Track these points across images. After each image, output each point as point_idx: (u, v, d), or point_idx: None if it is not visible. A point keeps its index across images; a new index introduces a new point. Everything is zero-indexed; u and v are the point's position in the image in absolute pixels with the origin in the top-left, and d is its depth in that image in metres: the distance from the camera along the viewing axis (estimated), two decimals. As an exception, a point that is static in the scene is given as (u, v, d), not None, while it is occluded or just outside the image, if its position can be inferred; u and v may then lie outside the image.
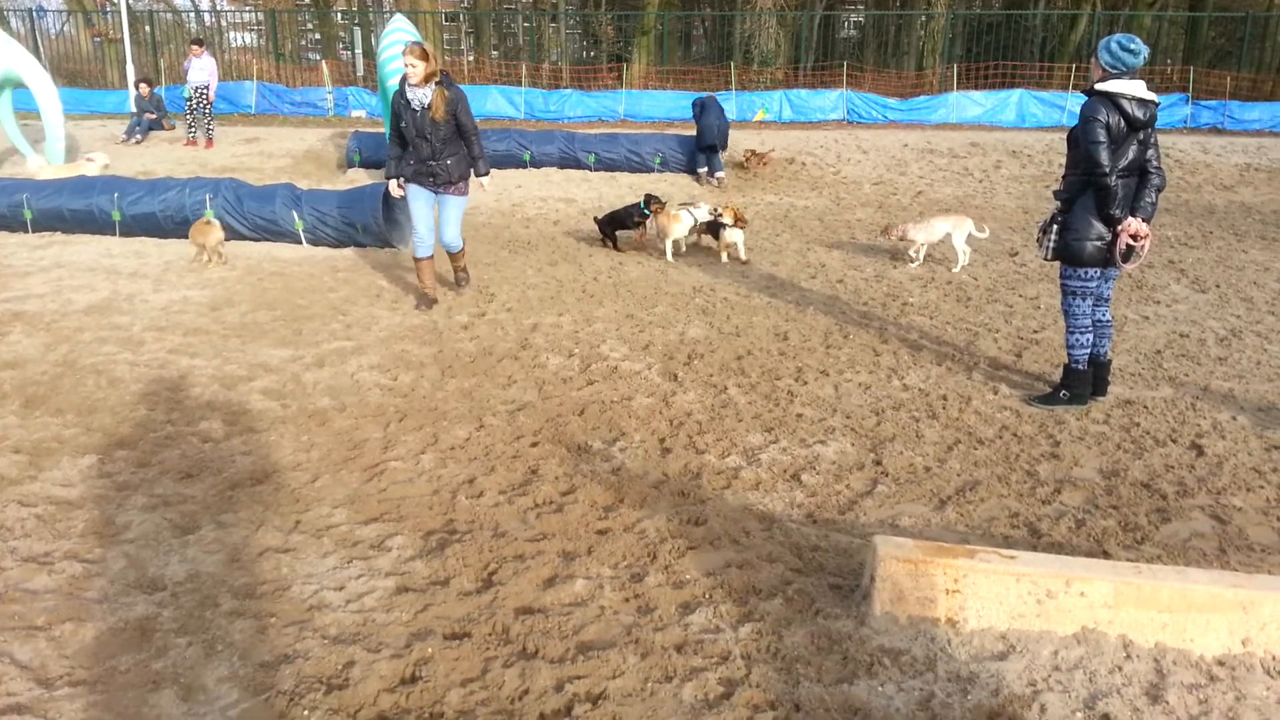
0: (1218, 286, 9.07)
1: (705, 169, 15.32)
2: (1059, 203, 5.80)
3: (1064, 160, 5.92)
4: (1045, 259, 5.88)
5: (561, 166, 15.67)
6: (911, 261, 10.02)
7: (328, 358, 6.63)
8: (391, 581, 3.78)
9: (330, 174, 15.59)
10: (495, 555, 3.98)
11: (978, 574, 3.40)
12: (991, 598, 3.39)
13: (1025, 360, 6.86)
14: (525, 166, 15.62)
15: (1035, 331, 7.61)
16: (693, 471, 4.97)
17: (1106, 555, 4.13)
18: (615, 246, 10.46)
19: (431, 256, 7.97)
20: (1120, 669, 3.26)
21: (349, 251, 10.16)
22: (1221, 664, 3.31)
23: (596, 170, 15.59)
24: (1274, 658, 3.32)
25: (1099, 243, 5.62)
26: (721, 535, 4.22)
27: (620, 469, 4.96)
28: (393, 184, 7.84)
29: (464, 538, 4.13)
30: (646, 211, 10.23)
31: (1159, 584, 3.37)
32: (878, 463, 5.11)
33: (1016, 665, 3.25)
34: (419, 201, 7.81)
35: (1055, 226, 5.76)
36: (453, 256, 8.31)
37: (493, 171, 14.93)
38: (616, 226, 10.55)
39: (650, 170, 15.60)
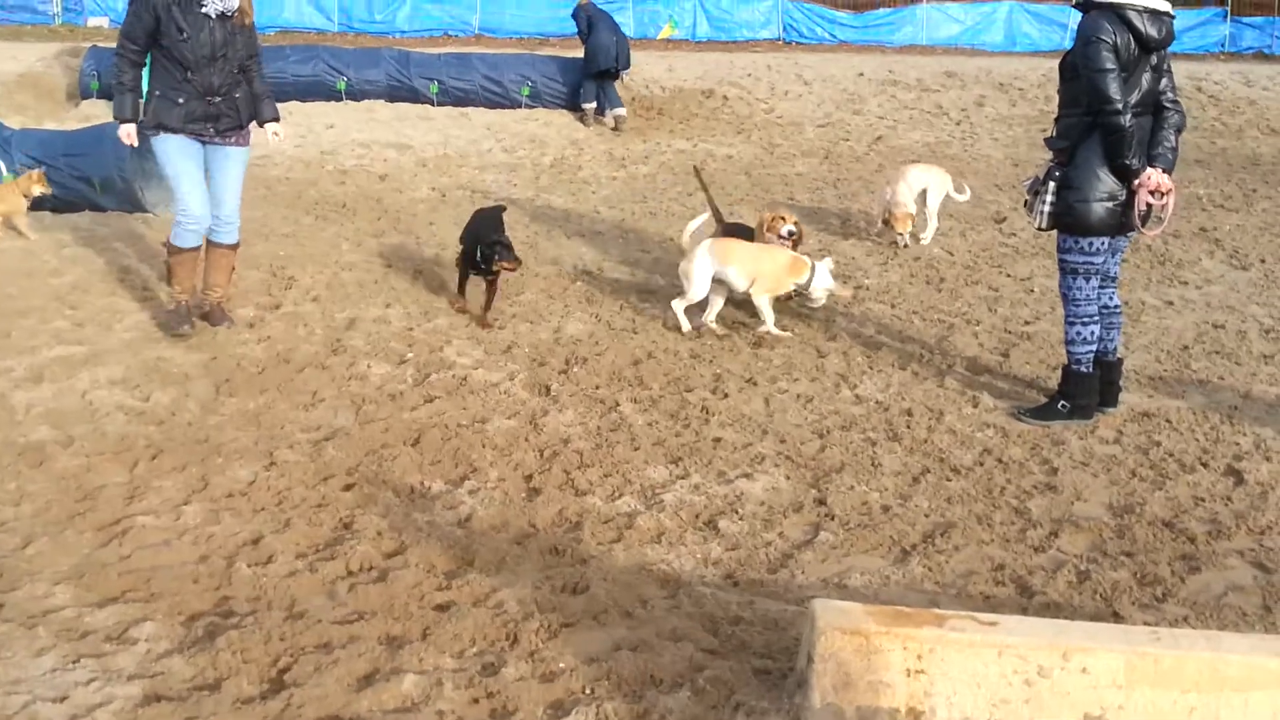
0: (1263, 261, 9.56)
1: (593, 104, 15.38)
2: (1053, 153, 6.01)
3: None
4: (1040, 228, 6.09)
5: (391, 99, 15.51)
6: (899, 238, 9.98)
7: (48, 369, 6.41)
8: (137, 688, 3.65)
9: (56, 107, 15.07)
10: (289, 645, 3.89)
11: (948, 648, 3.47)
12: (967, 679, 3.48)
13: (1014, 361, 7.09)
14: (340, 99, 15.40)
15: (1027, 323, 7.88)
16: (570, 520, 4.96)
17: (1118, 618, 4.29)
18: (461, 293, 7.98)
19: (200, 246, 7.22)
20: (1134, 769, 3.38)
21: (82, 218, 9.83)
22: (1263, 756, 3.47)
23: (441, 104, 15.48)
24: (1327, 745, 3.50)
25: (1110, 204, 5.84)
26: (609, 607, 4.22)
27: (470, 519, 4.92)
28: (126, 130, 6.90)
29: (244, 622, 4.03)
30: (486, 266, 7.58)
31: (1184, 654, 3.50)
32: (821, 502, 5.20)
33: (1000, 769, 3.34)
34: (189, 162, 6.96)
35: (1052, 185, 5.96)
36: (218, 254, 7.24)
37: (293, 107, 14.81)
38: (469, 261, 7.78)
39: (516, 105, 15.58)
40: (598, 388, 6.48)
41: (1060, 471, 5.55)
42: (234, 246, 7.33)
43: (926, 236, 9.97)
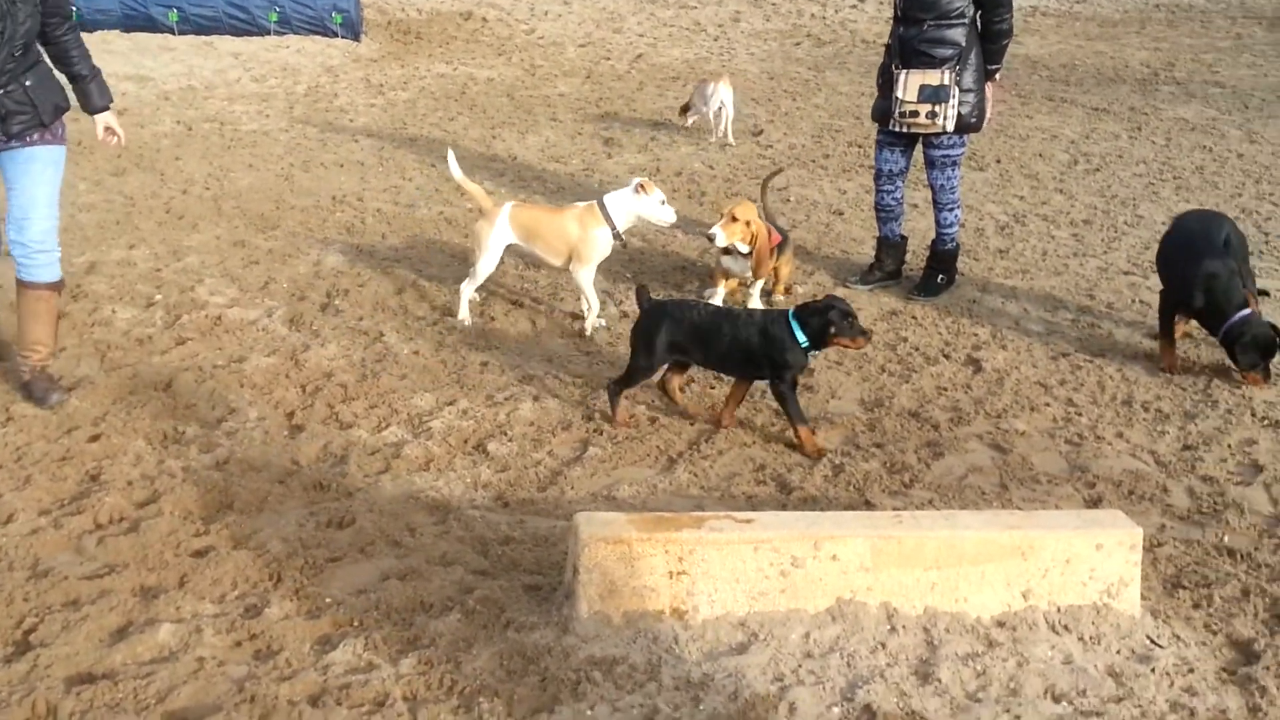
0: (998, 162, 10.06)
1: None
2: (937, 66, 6.41)
3: (897, 10, 6.64)
4: (945, 130, 6.54)
5: (127, 29, 14.64)
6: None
7: None
8: None
9: None
10: (34, 605, 3.73)
11: (707, 548, 3.59)
12: (726, 576, 3.60)
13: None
14: (71, 30, 14.45)
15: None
16: (335, 454, 4.88)
17: (869, 505, 4.52)
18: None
19: None
20: (884, 646, 3.58)
21: None
22: (1001, 624, 3.73)
23: (182, 33, 14.70)
24: (1059, 609, 3.78)
25: (984, 100, 6.68)
26: (376, 538, 4.19)
27: (228, 461, 4.79)
28: None
29: (-17, 586, 3.83)
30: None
31: (924, 535, 3.72)
32: (589, 418, 5.26)
33: (760, 658, 3.48)
34: None
35: (957, 90, 6.45)
36: (33, 298, 5.28)
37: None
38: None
39: (265, 32, 14.94)
40: (361, 319, 6.34)
41: (816, 372, 5.75)
42: (55, 286, 5.30)
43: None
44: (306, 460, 4.83)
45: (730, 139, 10.56)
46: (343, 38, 15.15)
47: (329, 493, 4.56)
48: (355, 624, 3.67)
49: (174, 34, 14.68)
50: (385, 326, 6.25)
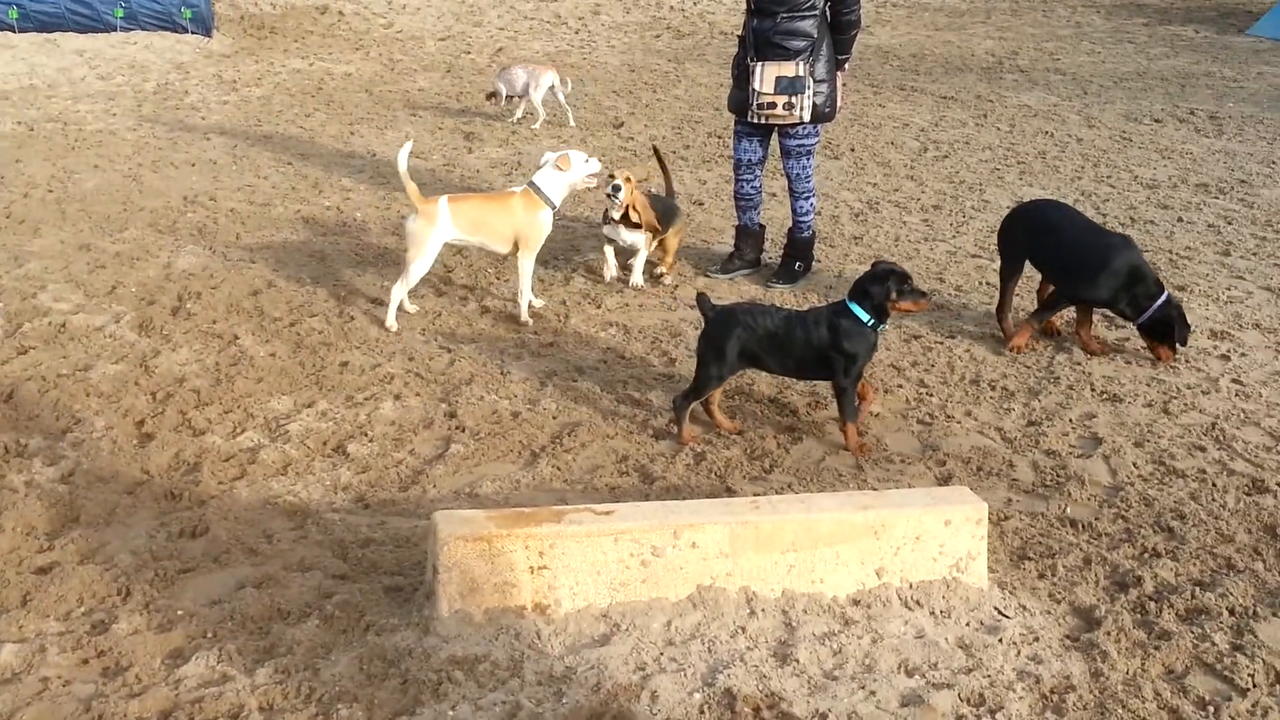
0: (852, 150, 10.25)
1: None
2: (792, 58, 6.49)
3: (751, 3, 6.68)
4: (802, 121, 6.63)
5: (-38, 27, 14.01)
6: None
7: None
8: None
9: None
10: None
11: (568, 541, 3.58)
12: (587, 568, 3.60)
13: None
14: (-100, 28, 13.77)
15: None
16: (188, 462, 4.75)
17: (730, 492, 4.56)
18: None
19: None
20: (744, 630, 3.62)
21: None
22: (856, 603, 3.80)
23: (23, 31, 14.12)
24: (911, 585, 3.86)
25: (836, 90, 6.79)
26: (231, 546, 4.09)
27: (74, 473, 4.61)
28: None
29: None
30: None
31: (781, 519, 3.76)
32: (451, 415, 5.21)
33: (622, 648, 3.48)
34: None
35: (812, 81, 6.53)
36: None
37: None
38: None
39: (111, 28, 14.44)
40: (215, 323, 6.17)
41: (678, 362, 5.78)
42: None
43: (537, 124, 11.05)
44: (157, 469, 4.68)
45: (536, 125, 11.08)
46: (193, 33, 14.74)
47: (181, 502, 4.43)
48: (208, 635, 3.57)
49: (14, 31, 14.08)
50: (240, 329, 6.09)
